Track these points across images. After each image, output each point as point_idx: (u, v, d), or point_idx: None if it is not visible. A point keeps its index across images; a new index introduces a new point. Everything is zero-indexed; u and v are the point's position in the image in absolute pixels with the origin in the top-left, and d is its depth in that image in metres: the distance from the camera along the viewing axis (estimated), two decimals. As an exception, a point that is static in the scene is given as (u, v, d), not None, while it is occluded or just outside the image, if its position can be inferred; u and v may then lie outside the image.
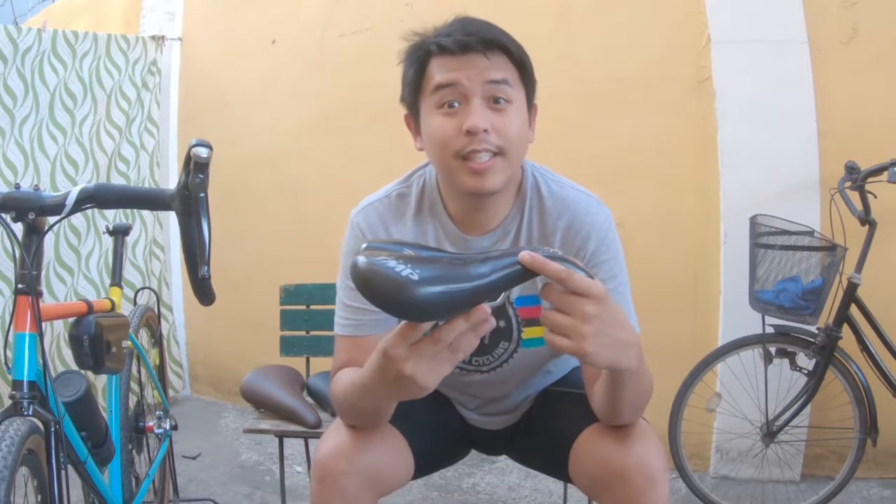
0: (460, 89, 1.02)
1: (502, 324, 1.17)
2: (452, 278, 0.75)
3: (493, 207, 1.12)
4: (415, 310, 0.74)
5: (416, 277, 0.72)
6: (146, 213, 3.55)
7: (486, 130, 1.01)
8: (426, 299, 0.73)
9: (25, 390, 1.17)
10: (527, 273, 0.78)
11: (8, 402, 1.17)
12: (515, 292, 1.14)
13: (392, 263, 0.73)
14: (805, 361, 2.12)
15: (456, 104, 1.03)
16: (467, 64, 1.02)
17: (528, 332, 1.17)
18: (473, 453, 1.45)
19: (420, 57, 1.06)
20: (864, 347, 2.07)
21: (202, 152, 1.11)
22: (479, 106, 1.02)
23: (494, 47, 1.02)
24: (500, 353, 1.19)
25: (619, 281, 1.11)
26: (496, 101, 1.03)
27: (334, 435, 1.09)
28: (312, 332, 2.19)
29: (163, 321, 3.51)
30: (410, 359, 0.79)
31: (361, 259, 0.75)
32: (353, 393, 1.00)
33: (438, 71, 1.04)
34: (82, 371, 1.47)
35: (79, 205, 1.22)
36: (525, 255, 0.77)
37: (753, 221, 2.14)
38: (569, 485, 1.56)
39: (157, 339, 2.16)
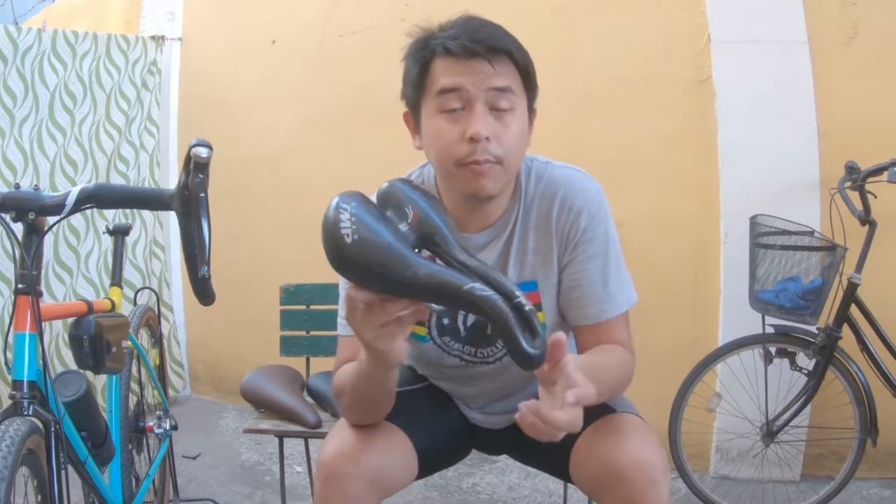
0: (464, 94, 1.02)
1: None
2: (387, 260, 0.80)
3: (492, 206, 1.13)
4: (338, 265, 0.81)
5: (348, 240, 0.79)
6: (146, 213, 3.55)
7: (487, 138, 1.02)
8: (352, 259, 0.80)
9: (25, 390, 1.17)
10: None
11: (8, 402, 1.17)
12: (514, 279, 1.15)
13: (345, 217, 0.80)
14: (805, 361, 2.12)
15: (458, 109, 1.03)
16: (472, 70, 1.02)
17: None
18: (474, 453, 1.45)
19: (425, 56, 1.06)
20: (864, 347, 2.07)
21: (202, 152, 1.11)
22: (483, 113, 1.02)
23: (500, 55, 1.02)
24: (503, 344, 1.20)
25: (610, 254, 1.13)
26: (498, 108, 1.03)
27: (338, 436, 1.09)
28: (312, 332, 2.19)
29: (163, 321, 3.51)
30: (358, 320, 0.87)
31: (337, 200, 0.83)
32: (352, 382, 1.02)
33: (443, 74, 1.04)
34: (82, 371, 1.47)
35: (79, 205, 1.22)
36: (525, 410, 0.84)
37: (753, 221, 2.14)
38: (569, 485, 1.56)
39: (157, 339, 2.16)
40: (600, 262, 1.11)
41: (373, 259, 0.79)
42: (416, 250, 0.86)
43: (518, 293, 0.83)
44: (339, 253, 0.80)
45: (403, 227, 0.87)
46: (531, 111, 1.11)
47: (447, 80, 1.03)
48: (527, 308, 0.82)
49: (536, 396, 1.31)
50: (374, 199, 0.92)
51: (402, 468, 1.15)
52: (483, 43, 1.01)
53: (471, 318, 1.19)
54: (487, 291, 0.80)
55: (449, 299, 0.81)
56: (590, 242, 1.11)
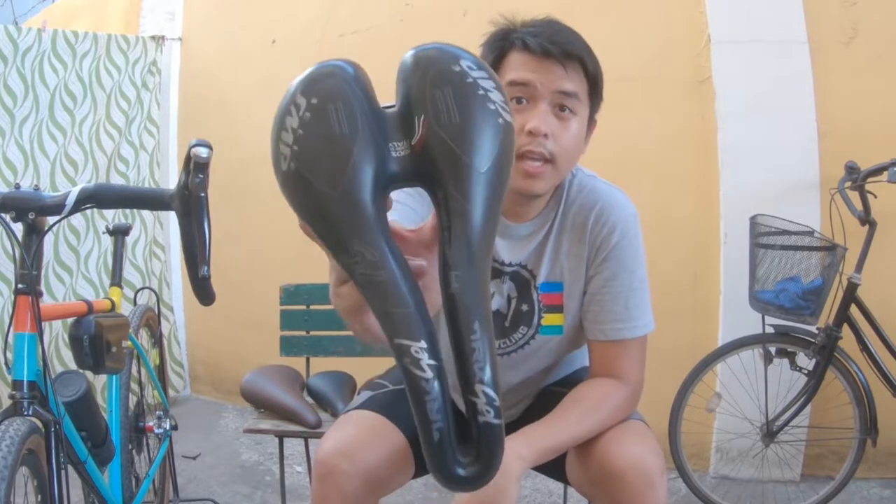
0: (532, 90, 1.05)
1: (525, 308, 1.18)
2: (322, 222, 0.50)
3: (537, 201, 1.15)
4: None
5: (283, 166, 0.49)
6: (146, 213, 3.55)
7: (545, 135, 1.04)
8: (283, 190, 0.50)
9: (25, 390, 1.17)
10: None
11: (8, 402, 1.17)
12: (541, 277, 1.17)
13: (291, 125, 0.48)
14: (805, 361, 2.12)
15: (524, 101, 1.06)
16: (544, 69, 1.04)
17: (548, 319, 1.18)
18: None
19: (503, 46, 1.08)
20: (864, 347, 2.07)
21: (202, 152, 1.11)
22: (545, 111, 1.05)
23: (573, 60, 1.06)
24: (519, 338, 1.21)
25: (636, 276, 1.14)
26: (562, 109, 1.06)
27: (335, 434, 1.09)
28: (312, 332, 2.18)
29: (163, 321, 3.50)
30: None
31: (296, 87, 0.50)
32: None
33: (516, 67, 1.06)
34: (82, 371, 1.47)
35: (79, 205, 1.22)
36: None
37: (753, 221, 2.14)
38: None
39: (157, 339, 2.16)
40: (625, 281, 1.13)
41: (304, 209, 0.50)
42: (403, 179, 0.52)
43: (486, 377, 0.48)
44: (275, 172, 0.50)
45: (398, 150, 0.50)
46: (591, 121, 1.14)
47: (518, 73, 1.05)
48: (485, 407, 0.48)
49: (533, 398, 1.32)
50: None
51: (400, 466, 1.15)
52: (559, 45, 1.04)
53: (492, 306, 1.19)
54: (428, 373, 0.46)
55: (382, 325, 0.49)
56: (618, 259, 1.13)
